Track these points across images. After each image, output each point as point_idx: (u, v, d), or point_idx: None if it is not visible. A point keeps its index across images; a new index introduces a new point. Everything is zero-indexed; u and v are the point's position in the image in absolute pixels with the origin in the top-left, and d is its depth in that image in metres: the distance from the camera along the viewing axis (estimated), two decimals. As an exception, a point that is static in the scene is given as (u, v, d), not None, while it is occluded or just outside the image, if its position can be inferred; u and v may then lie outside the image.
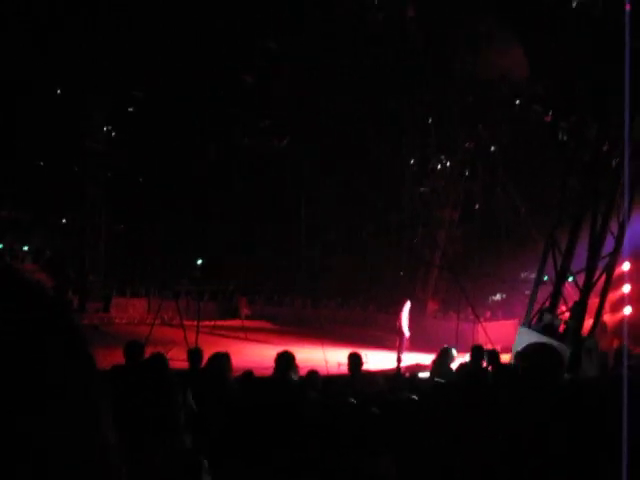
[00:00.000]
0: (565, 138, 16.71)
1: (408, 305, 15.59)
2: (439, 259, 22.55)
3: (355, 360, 6.69)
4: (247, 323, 21.05)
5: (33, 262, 22.62)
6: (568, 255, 11.55)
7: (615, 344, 11.66)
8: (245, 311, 24.93)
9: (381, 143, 22.84)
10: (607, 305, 12.95)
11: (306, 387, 5.52)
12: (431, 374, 7.69)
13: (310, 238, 25.26)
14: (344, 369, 7.60)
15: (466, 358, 8.13)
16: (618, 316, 14.60)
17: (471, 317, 18.64)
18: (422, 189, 23.23)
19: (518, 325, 12.85)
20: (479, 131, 21.65)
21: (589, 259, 11.22)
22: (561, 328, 11.13)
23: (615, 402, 2.83)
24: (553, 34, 16.25)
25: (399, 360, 14.40)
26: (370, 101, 21.92)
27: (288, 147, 24.09)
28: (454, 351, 8.17)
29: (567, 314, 11.38)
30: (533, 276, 13.76)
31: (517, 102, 20.50)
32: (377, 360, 13.89)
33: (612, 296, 13.37)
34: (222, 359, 5.30)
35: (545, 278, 12.57)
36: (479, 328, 17.23)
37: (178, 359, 8.64)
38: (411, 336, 15.43)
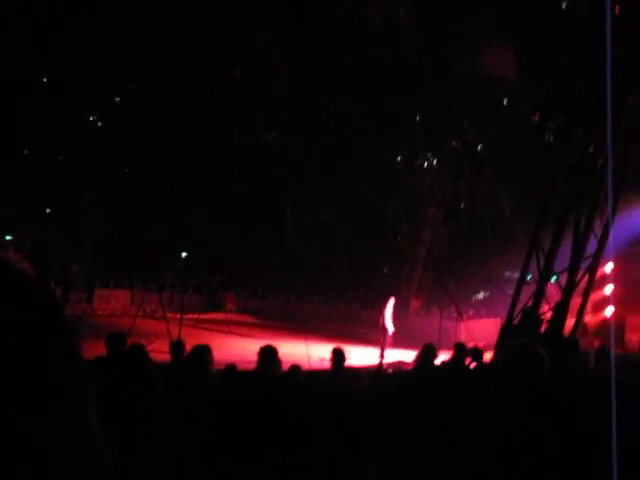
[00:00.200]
0: (551, 139, 16.83)
1: (392, 302, 15.65)
2: (423, 257, 22.62)
3: (338, 356, 6.68)
4: (230, 317, 21.02)
5: (15, 251, 22.42)
6: (551, 255, 11.63)
7: (596, 344, 11.77)
8: (230, 305, 24.90)
9: (368, 141, 22.84)
10: (589, 306, 13.08)
11: (288, 381, 5.52)
12: (414, 370, 7.70)
13: (296, 235, 25.28)
14: (327, 364, 7.60)
15: (448, 356, 8.18)
16: (599, 317, 14.76)
17: (454, 315, 18.74)
18: (408, 186, 23.26)
19: (501, 324, 12.94)
20: (465, 128, 21.71)
21: (572, 260, 11.31)
22: (543, 328, 11.22)
23: (601, 401, 2.85)
24: (541, 35, 16.34)
25: (382, 356, 14.44)
26: (368, 100, 21.89)
27: (285, 145, 24.03)
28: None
29: (549, 314, 11.47)
30: (517, 275, 13.85)
31: (505, 102, 20.60)
32: (360, 356, 13.92)
33: (594, 297, 13.50)
34: (203, 351, 5.29)
35: (528, 277, 12.66)
36: (462, 326, 17.34)
37: (160, 351, 8.60)
38: (395, 333, 15.48)
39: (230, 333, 18.00)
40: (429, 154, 23.26)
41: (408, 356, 13.65)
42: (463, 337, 14.75)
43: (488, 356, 10.53)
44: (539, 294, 11.69)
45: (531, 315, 11.31)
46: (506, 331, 11.56)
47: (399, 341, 15.99)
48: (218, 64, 21.89)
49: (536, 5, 16.84)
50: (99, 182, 23.70)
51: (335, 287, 25.04)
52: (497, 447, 2.93)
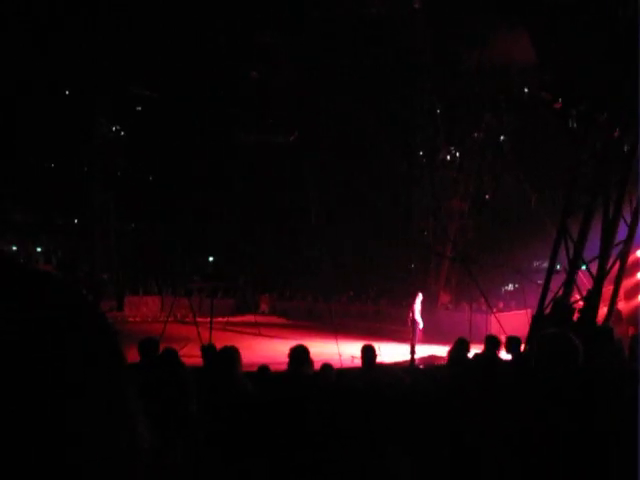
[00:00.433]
0: (575, 125, 16.53)
1: (420, 297, 15.57)
2: (450, 251, 22.45)
3: (369, 353, 6.64)
4: (260, 319, 21.10)
5: (45, 262, 22.83)
6: (580, 243, 11.46)
7: (630, 332, 11.56)
8: (264, 307, 25.05)
9: (387, 138, 22.76)
10: (621, 293, 12.84)
11: (320, 380, 5.52)
12: (447, 364, 7.64)
13: (316, 236, 25.31)
14: (358, 362, 7.58)
15: (480, 350, 8.09)
16: (633, 304, 14.48)
17: (483, 308, 18.56)
18: (432, 180, 23.11)
19: (531, 315, 12.78)
20: (486, 119, 21.49)
21: (602, 247, 11.12)
22: (575, 317, 11.05)
23: (634, 395, 2.79)
24: (564, 23, 16.05)
25: (413, 352, 14.37)
26: (375, 94, 21.80)
27: (298, 145, 24.06)
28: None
29: (581, 303, 11.30)
30: (545, 265, 13.66)
31: (526, 90, 20.31)
32: (391, 353, 13.89)
33: (626, 283, 13.26)
34: (230, 352, 5.32)
35: (558, 267, 12.48)
36: (492, 319, 17.16)
37: (192, 356, 8.67)
38: (424, 328, 15.40)
39: (260, 335, 18.08)
40: (451, 147, 23.09)
41: (439, 351, 13.59)
42: (494, 330, 14.60)
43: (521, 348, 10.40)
44: (569, 283, 11.52)
45: (562, 304, 11.14)
46: (538, 321, 11.43)
47: (429, 336, 15.90)
48: (218, 64, 21.93)
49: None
50: (119, 190, 23.93)
51: (362, 285, 25.00)
52: (538, 440, 2.89)
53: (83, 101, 22.07)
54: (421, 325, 15.14)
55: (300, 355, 5.31)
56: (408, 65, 21.27)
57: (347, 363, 11.35)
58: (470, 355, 7.21)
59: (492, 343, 7.51)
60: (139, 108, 24.14)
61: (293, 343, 5.64)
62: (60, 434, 0.49)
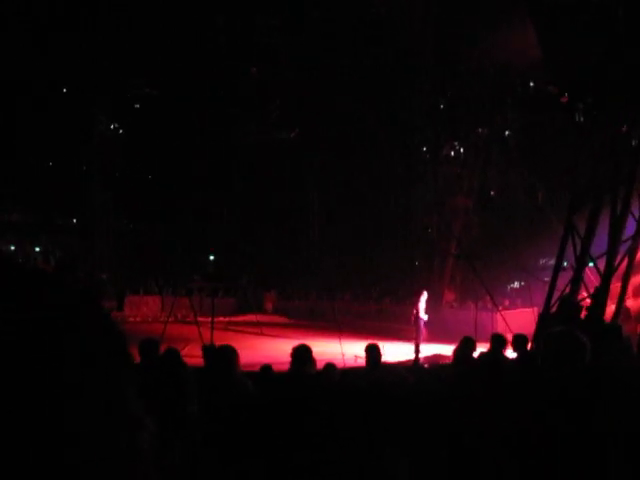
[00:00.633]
0: (582, 119, 16.37)
1: (425, 296, 15.44)
2: (455, 248, 22.31)
3: (374, 352, 6.53)
4: (262, 318, 20.99)
5: (44, 262, 22.80)
6: (588, 240, 11.31)
7: (639, 329, 11.43)
8: (268, 305, 24.95)
9: (387, 138, 22.68)
10: (630, 290, 12.68)
11: (323, 380, 5.42)
12: (453, 363, 7.52)
13: (316, 236, 25.27)
14: (361, 362, 7.48)
15: (486, 348, 7.97)
16: (641, 301, 14.33)
17: (489, 306, 18.42)
18: (436, 176, 22.99)
19: (538, 313, 12.65)
20: (491, 114, 21.35)
21: (610, 243, 10.97)
22: (583, 314, 10.92)
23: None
24: (564, 22, 15.92)
25: (417, 351, 14.24)
26: (375, 94, 21.72)
27: (301, 142, 24.02)
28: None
29: (588, 300, 11.16)
30: (552, 262, 13.52)
31: (531, 84, 20.16)
32: (395, 352, 13.77)
33: (635, 280, 13.09)
34: (227, 351, 5.24)
35: (565, 264, 12.35)
36: (498, 317, 17.02)
37: (193, 356, 8.58)
38: (429, 327, 15.28)
39: (262, 334, 17.98)
40: (455, 143, 22.96)
41: (444, 350, 13.46)
42: (500, 328, 14.46)
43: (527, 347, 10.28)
44: (577, 280, 11.39)
45: (570, 302, 11.00)
46: (544, 319, 11.29)
47: (434, 335, 15.77)
48: (218, 64, 21.89)
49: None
50: (117, 190, 23.92)
51: (363, 284, 24.91)
52: (542, 439, 2.79)
53: (82, 100, 22.05)
54: (426, 317, 15.00)
55: (303, 354, 5.21)
56: (407, 65, 21.18)
57: (350, 363, 11.24)
58: (476, 354, 7.10)
59: (498, 342, 7.39)
60: (137, 106, 24.10)
61: (296, 342, 5.54)
62: (58, 434, 0.50)
